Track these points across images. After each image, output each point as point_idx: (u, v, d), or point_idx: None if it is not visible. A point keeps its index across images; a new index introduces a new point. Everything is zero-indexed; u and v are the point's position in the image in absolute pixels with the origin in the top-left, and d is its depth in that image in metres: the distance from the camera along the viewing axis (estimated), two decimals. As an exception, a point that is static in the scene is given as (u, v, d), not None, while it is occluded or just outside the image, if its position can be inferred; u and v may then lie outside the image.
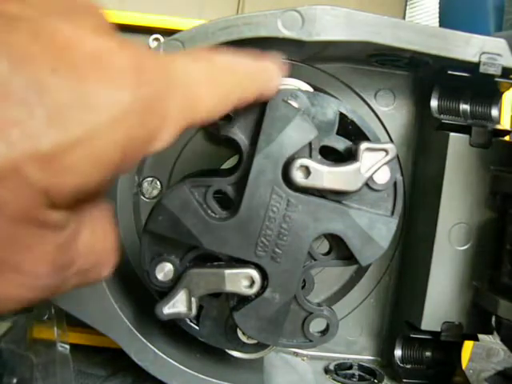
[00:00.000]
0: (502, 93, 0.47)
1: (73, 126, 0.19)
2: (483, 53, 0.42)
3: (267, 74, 0.34)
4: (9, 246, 0.20)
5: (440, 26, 1.59)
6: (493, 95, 0.46)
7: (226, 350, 0.44)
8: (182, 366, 0.45)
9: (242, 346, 0.43)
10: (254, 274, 0.39)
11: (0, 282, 0.21)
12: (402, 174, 0.40)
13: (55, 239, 0.21)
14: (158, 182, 0.51)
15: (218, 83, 0.29)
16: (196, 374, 0.45)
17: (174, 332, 0.46)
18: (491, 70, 0.42)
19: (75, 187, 0.20)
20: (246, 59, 0.32)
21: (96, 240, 0.25)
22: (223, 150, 0.50)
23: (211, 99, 0.28)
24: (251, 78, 0.32)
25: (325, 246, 0.42)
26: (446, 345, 0.48)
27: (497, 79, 0.43)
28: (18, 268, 0.21)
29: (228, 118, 0.38)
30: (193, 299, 0.39)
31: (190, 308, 0.39)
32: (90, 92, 0.20)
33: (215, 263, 0.40)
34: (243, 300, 0.40)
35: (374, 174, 0.38)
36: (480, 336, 0.48)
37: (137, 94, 0.21)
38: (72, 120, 0.19)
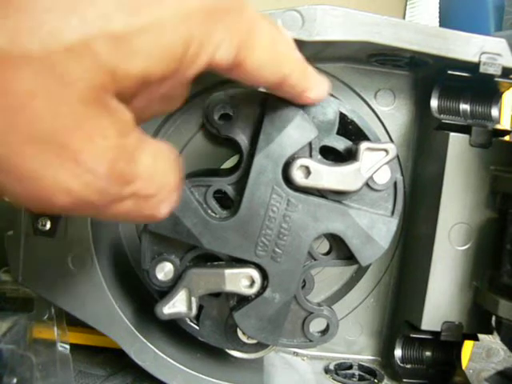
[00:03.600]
0: (502, 93, 0.46)
1: (144, 13, 0.21)
2: (483, 53, 0.42)
3: (316, 82, 0.34)
4: (72, 128, 0.20)
5: (440, 25, 1.59)
6: (493, 95, 0.46)
7: (226, 350, 0.44)
8: (182, 366, 0.45)
9: (242, 346, 0.43)
10: (254, 273, 0.39)
11: (57, 169, 0.21)
12: (402, 174, 0.41)
13: (117, 136, 0.22)
14: (158, 182, 0.50)
15: (276, 47, 0.29)
16: (196, 373, 0.45)
17: (174, 332, 0.46)
18: (491, 70, 0.42)
19: (141, 71, 0.21)
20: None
21: (157, 169, 0.25)
22: (223, 150, 0.50)
23: (265, 53, 0.28)
24: (302, 73, 0.32)
25: (325, 245, 0.42)
26: (446, 345, 0.48)
27: (497, 79, 0.43)
28: (77, 157, 0.21)
29: (228, 118, 0.38)
30: (193, 299, 0.39)
31: (190, 308, 0.39)
32: None
33: (215, 263, 0.40)
34: (243, 300, 0.40)
35: (374, 173, 0.38)
36: (480, 336, 0.48)
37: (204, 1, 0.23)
38: (145, 8, 0.21)
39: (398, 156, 0.39)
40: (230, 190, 0.38)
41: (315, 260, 0.40)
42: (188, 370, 0.45)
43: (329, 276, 0.53)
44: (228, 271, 0.39)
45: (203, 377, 0.45)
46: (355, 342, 0.53)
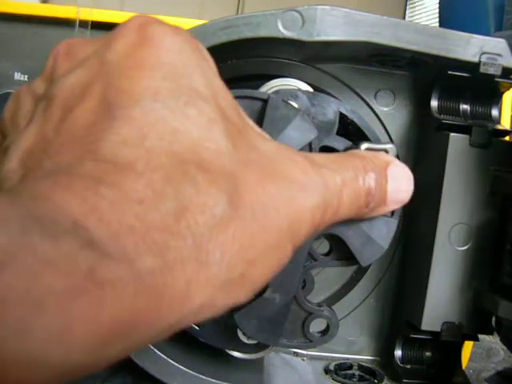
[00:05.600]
0: (502, 93, 0.46)
1: None
2: (483, 53, 0.42)
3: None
4: None
5: (440, 26, 1.60)
6: (493, 95, 0.46)
7: (226, 350, 0.44)
8: (181, 366, 0.45)
9: (242, 346, 0.43)
10: (254, 274, 0.39)
11: None
12: (402, 174, 0.40)
13: None
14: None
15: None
16: (196, 374, 0.45)
17: (174, 332, 0.45)
18: (491, 70, 0.42)
19: None
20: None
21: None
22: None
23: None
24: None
25: (325, 246, 0.42)
26: (447, 345, 0.48)
27: (497, 79, 0.43)
28: None
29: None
30: (193, 299, 0.39)
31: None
32: None
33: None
34: (243, 300, 0.40)
35: (374, 174, 0.38)
36: (480, 336, 0.48)
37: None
38: None
39: (398, 156, 0.39)
40: (230, 191, 0.38)
41: (315, 260, 0.40)
42: (188, 370, 0.45)
43: (329, 276, 0.53)
44: (228, 271, 0.39)
45: (203, 377, 0.45)
46: (355, 342, 0.53)
